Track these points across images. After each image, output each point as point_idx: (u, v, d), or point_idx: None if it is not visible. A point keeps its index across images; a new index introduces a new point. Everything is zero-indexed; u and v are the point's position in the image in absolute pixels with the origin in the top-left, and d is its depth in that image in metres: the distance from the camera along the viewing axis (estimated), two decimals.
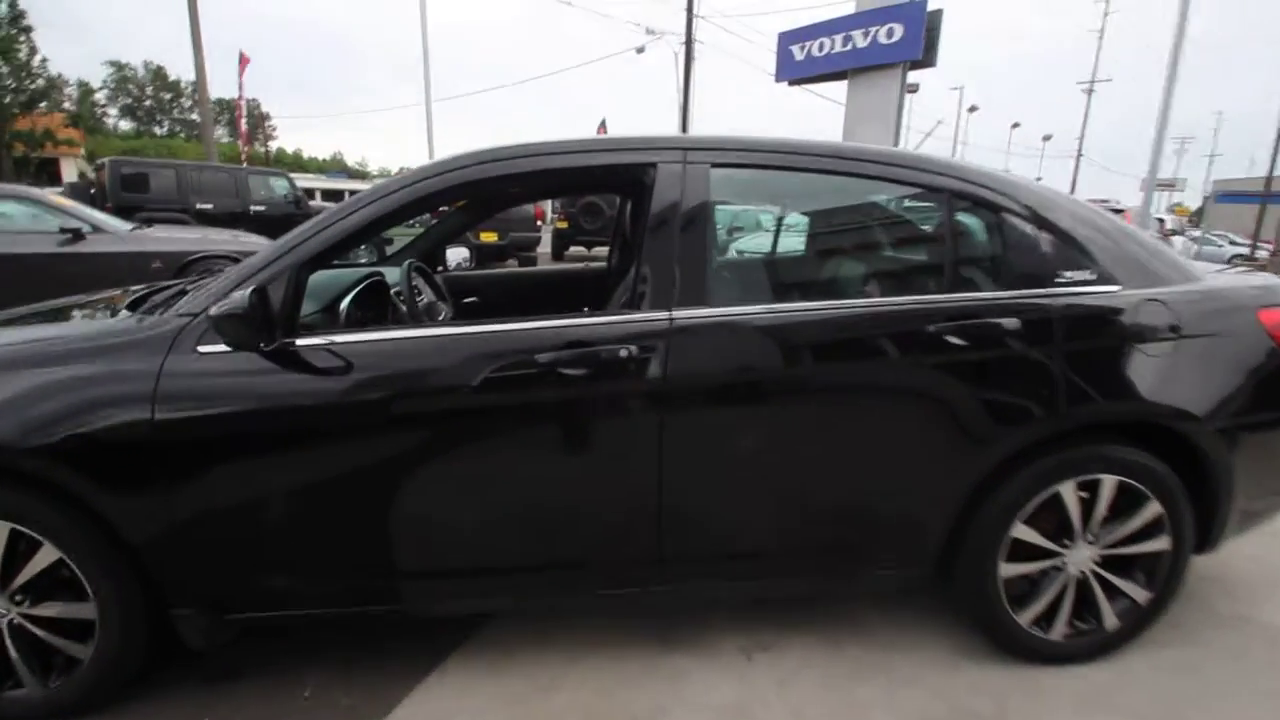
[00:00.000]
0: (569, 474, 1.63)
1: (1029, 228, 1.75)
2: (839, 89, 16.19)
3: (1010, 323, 1.67)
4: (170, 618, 1.58)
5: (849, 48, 15.31)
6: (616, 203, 12.90)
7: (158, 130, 59.81)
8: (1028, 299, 1.70)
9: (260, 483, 1.54)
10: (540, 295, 3.31)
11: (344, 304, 1.93)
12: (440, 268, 3.15)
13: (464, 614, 1.97)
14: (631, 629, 1.99)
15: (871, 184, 1.84)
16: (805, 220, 2.31)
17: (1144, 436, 1.77)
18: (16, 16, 22.96)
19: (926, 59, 14.52)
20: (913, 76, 15.60)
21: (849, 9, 15.41)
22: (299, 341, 1.52)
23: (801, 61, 16.41)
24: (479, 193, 1.58)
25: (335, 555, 1.63)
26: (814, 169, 1.75)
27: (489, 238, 10.74)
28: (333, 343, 1.54)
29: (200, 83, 14.52)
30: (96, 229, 5.86)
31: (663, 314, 1.60)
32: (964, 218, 1.81)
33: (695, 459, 1.63)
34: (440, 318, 2.13)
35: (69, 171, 27.63)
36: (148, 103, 61.38)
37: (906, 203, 2.02)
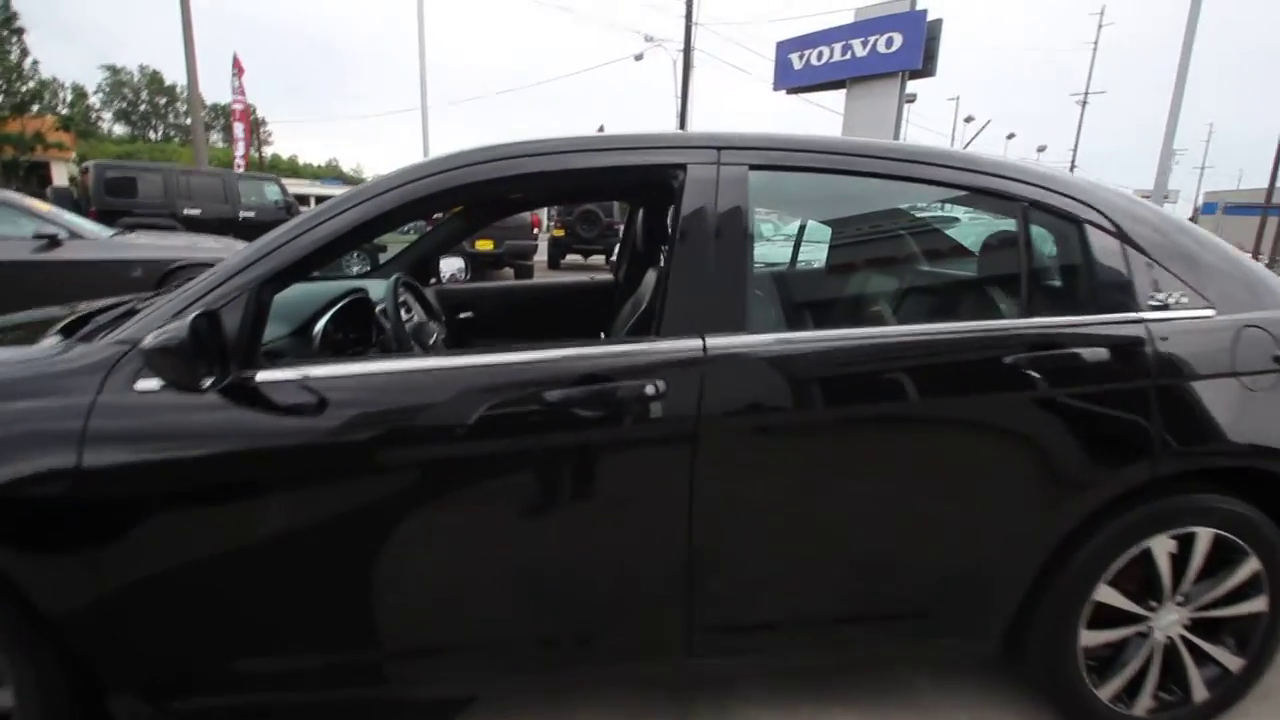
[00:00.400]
0: (583, 534, 1.38)
1: (1116, 244, 1.52)
2: (837, 98, 16.19)
3: (1099, 353, 1.43)
4: (102, 703, 1.32)
5: (848, 57, 15.31)
6: (614, 210, 12.61)
7: (153, 135, 59.47)
8: (1118, 325, 1.46)
9: (211, 545, 1.28)
10: (541, 311, 3.07)
11: (318, 327, 1.67)
12: (434, 279, 2.91)
13: (460, 696, 1.70)
14: (644, 701, 1.73)
15: (935, 191, 1.60)
16: (858, 232, 2.07)
17: (1238, 483, 1.54)
18: (9, 18, 22.65)
19: (926, 68, 14.51)
20: (911, 86, 15.59)
21: (847, 19, 15.40)
22: (260, 376, 1.27)
23: (800, 70, 16.42)
24: (479, 196, 1.36)
25: (300, 630, 1.38)
26: (871, 172, 1.51)
27: (485, 246, 10.46)
28: (304, 377, 1.29)
29: (191, 85, 14.24)
30: (74, 235, 5.60)
31: (693, 341, 1.36)
32: (1043, 231, 1.58)
33: (733, 515, 1.39)
34: (431, 340, 1.89)
35: (59, 176, 27.25)
36: (143, 107, 61.03)
37: (971, 213, 1.79)
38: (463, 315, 2.87)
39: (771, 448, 1.40)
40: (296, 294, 1.72)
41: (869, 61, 15.07)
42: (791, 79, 16.71)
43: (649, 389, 1.31)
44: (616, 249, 12.18)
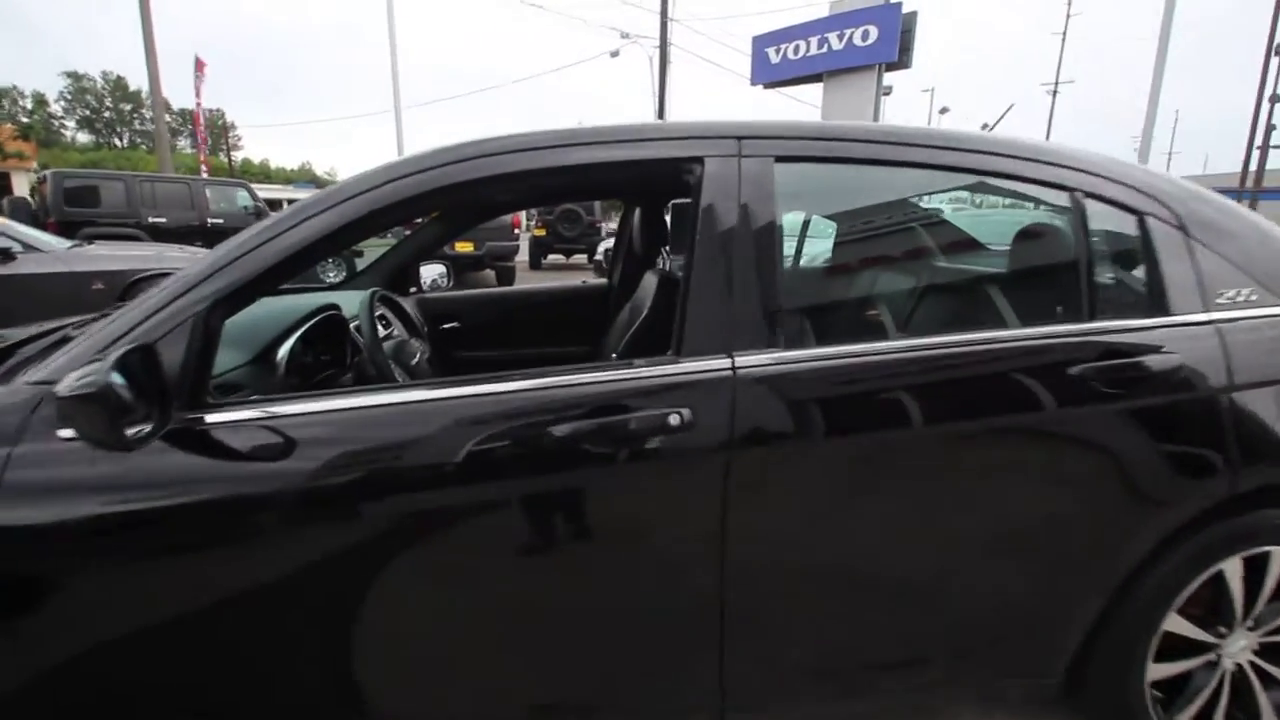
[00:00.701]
0: (600, 587, 1.21)
1: (1179, 237, 1.36)
2: (814, 92, 16.12)
3: (1170, 359, 1.28)
4: None
5: (824, 50, 15.25)
6: (595, 208, 12.33)
7: (118, 142, 57.95)
8: (1189, 327, 1.31)
9: (156, 615, 1.08)
10: (531, 318, 2.87)
11: (284, 350, 1.47)
12: (414, 288, 2.71)
13: None
14: None
15: (979, 180, 1.43)
16: (898, 229, 1.89)
17: None
18: None
19: (902, 60, 14.52)
20: (887, 78, 15.58)
21: (823, 12, 15.35)
22: (210, 418, 1.07)
23: (777, 64, 16.31)
24: (465, 197, 1.18)
25: (261, 703, 1.18)
26: (910, 161, 1.33)
27: (465, 248, 10.18)
28: (264, 416, 1.09)
29: (154, 89, 13.78)
30: (29, 247, 5.30)
31: (721, 361, 1.18)
32: (1100, 224, 1.42)
33: (771, 557, 1.22)
34: (414, 360, 1.68)
35: (21, 186, 26.40)
36: (107, 114, 59.40)
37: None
38: (447, 325, 2.67)
39: (815, 481, 1.22)
40: (258, 312, 1.51)
41: (846, 54, 15.04)
42: (769, 73, 16.60)
43: (672, 419, 1.13)
44: (600, 248, 12.01)
